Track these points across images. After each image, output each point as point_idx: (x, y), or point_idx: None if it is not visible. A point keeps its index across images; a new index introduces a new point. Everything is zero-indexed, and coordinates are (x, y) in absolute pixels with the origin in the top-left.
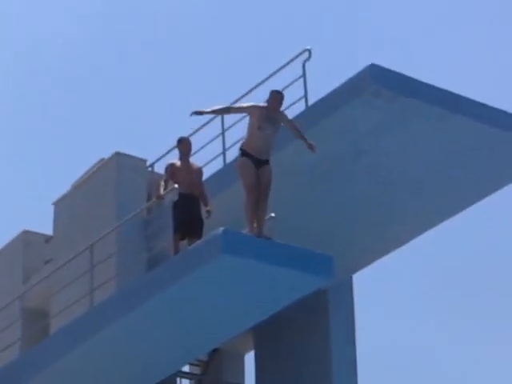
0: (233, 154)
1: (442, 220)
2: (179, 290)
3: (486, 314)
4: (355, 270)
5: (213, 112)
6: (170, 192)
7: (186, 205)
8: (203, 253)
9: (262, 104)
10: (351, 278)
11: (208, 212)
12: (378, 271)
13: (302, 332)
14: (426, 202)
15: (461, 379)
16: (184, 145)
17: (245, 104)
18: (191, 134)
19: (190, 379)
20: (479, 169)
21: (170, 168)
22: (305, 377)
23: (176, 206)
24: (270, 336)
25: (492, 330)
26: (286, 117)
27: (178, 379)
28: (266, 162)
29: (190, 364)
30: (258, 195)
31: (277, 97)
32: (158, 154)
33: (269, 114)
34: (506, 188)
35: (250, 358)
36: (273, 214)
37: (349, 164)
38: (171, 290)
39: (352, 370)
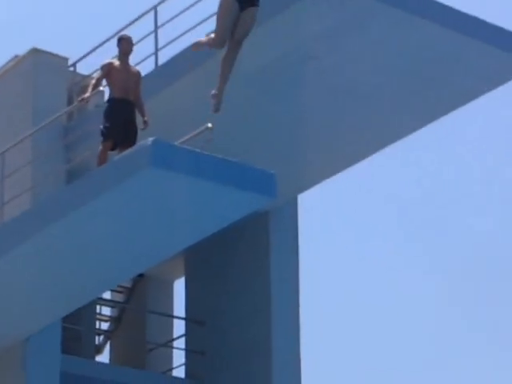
0: (166, 54)
1: (401, 136)
2: (102, 205)
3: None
4: (301, 190)
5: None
6: (94, 95)
7: (120, 110)
8: (130, 165)
9: None
10: (296, 198)
11: (145, 123)
12: (327, 191)
13: (239, 258)
14: (384, 115)
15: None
16: (125, 43)
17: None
18: (120, 31)
19: (112, 307)
20: (445, 80)
21: (107, 67)
22: (241, 307)
23: (108, 110)
24: (202, 261)
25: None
26: None
27: (97, 307)
28: (256, 2)
29: (112, 290)
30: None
31: None
32: (82, 52)
33: None
34: (473, 102)
35: (179, 285)
36: (210, 125)
37: (297, 70)
38: (93, 205)
39: (293, 299)
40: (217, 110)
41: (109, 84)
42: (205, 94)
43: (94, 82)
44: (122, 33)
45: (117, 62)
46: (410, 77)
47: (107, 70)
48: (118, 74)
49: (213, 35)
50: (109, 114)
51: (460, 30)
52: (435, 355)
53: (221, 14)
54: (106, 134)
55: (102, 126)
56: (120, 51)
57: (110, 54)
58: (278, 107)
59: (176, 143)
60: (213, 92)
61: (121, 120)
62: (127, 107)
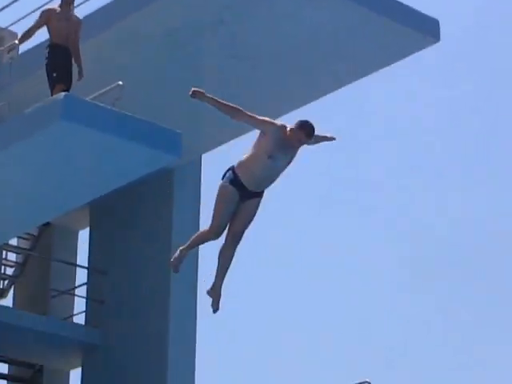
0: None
1: (304, 103)
2: (13, 154)
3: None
4: (205, 150)
5: (217, 103)
6: (10, 48)
7: (60, 55)
8: (42, 117)
9: (283, 124)
10: (200, 157)
11: (80, 74)
12: (230, 152)
13: (142, 211)
14: (288, 82)
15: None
16: None
17: (262, 118)
18: None
19: (17, 253)
20: (349, 51)
21: (47, 13)
22: (142, 257)
23: (50, 55)
24: (107, 213)
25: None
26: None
27: (3, 252)
28: (260, 193)
29: (18, 237)
30: (227, 236)
31: (301, 134)
32: (4, 2)
33: (287, 143)
34: (375, 74)
35: (84, 235)
36: (120, 83)
37: (206, 35)
38: (4, 154)
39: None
40: (217, 308)
41: (48, 30)
42: (120, 53)
43: (29, 27)
44: None
45: (58, 9)
46: (311, 49)
47: (46, 18)
48: (59, 21)
49: (206, 228)
50: (52, 58)
51: (364, 4)
52: None
53: (219, 204)
54: (56, 78)
55: (48, 72)
56: None
57: (27, 9)
58: (186, 69)
59: (87, 99)
60: (208, 289)
61: (62, 65)
62: (66, 54)
